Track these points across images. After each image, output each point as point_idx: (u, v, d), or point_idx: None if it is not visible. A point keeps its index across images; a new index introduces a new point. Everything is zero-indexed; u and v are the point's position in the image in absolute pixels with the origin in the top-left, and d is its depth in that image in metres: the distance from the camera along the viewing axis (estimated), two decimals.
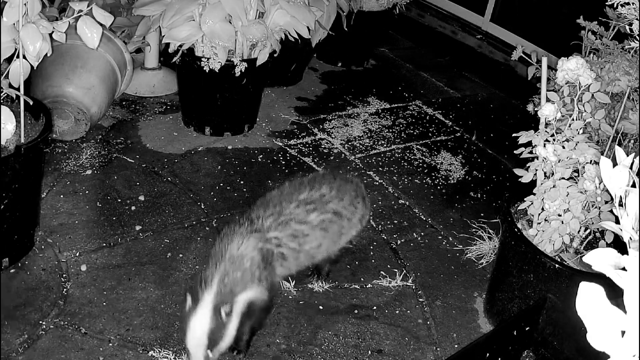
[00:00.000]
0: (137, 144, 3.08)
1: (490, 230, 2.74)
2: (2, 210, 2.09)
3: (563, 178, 1.98)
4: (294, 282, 2.32)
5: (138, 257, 2.39)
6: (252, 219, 1.99)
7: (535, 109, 2.17)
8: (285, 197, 2.08)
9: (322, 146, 3.30)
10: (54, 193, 2.65)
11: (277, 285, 2.08)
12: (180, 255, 2.42)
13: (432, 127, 3.65)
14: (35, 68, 2.03)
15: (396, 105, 3.86)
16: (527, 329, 2.02)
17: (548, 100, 2.02)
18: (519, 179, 2.06)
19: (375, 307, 2.31)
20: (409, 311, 2.31)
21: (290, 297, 2.30)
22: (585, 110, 1.97)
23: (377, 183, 3.05)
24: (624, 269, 0.92)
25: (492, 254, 2.61)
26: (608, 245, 1.98)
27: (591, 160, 1.94)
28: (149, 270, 2.33)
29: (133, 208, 2.63)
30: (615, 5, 2.06)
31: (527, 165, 2.06)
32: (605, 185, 1.42)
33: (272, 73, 3.42)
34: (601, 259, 0.93)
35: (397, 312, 2.30)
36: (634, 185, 1.04)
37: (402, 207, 2.90)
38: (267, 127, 3.41)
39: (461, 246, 2.68)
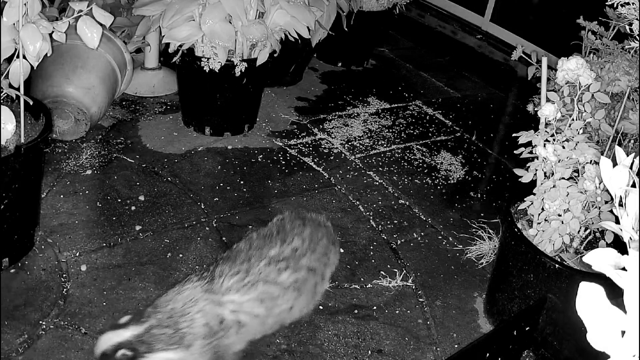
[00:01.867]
0: (137, 144, 3.09)
1: (490, 230, 2.74)
2: (2, 210, 2.09)
3: (563, 178, 1.98)
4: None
5: (138, 257, 2.39)
6: (215, 276, 1.79)
7: (535, 109, 2.17)
8: (254, 252, 1.87)
9: (322, 146, 3.30)
10: (54, 193, 2.65)
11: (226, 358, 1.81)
12: (180, 255, 2.42)
13: (432, 127, 3.65)
14: (35, 68, 2.03)
15: (396, 105, 3.86)
16: (527, 329, 2.02)
17: (548, 100, 2.02)
18: (519, 179, 2.06)
19: (375, 307, 2.31)
20: (409, 311, 2.31)
21: None
22: (585, 110, 1.97)
23: (377, 183, 3.05)
24: (624, 269, 0.92)
25: (492, 254, 2.61)
26: (608, 245, 1.98)
27: (591, 160, 1.94)
28: (149, 270, 2.33)
29: (133, 208, 2.63)
30: (615, 5, 2.06)
31: (527, 165, 2.06)
32: (605, 185, 1.42)
33: (272, 73, 3.42)
34: (601, 259, 0.93)
35: (397, 312, 2.30)
36: (634, 185, 1.04)
37: (402, 207, 2.90)
38: (267, 127, 3.41)
39: (461, 246, 2.68)
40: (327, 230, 2.09)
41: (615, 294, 0.93)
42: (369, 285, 2.41)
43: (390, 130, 3.54)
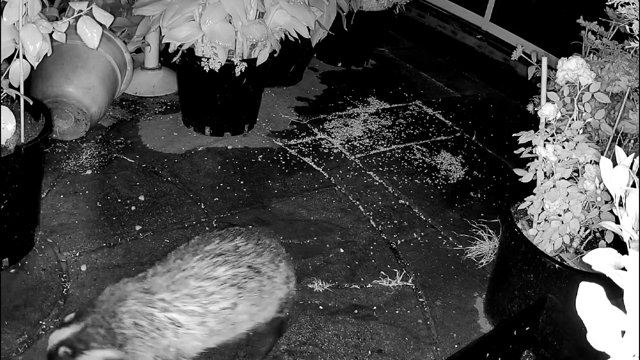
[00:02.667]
0: (137, 144, 3.09)
1: (490, 230, 2.74)
2: (2, 210, 2.09)
3: (563, 178, 1.98)
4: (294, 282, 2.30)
5: (138, 257, 2.39)
6: (147, 276, 1.77)
7: (535, 109, 2.17)
8: (189, 248, 1.81)
9: (322, 146, 3.30)
10: (54, 193, 2.65)
11: None
12: None
13: (432, 127, 3.65)
14: (35, 68, 2.03)
15: (396, 105, 3.86)
16: (527, 329, 2.02)
17: (548, 100, 2.02)
18: (519, 179, 2.06)
19: (375, 307, 2.31)
20: (409, 311, 2.31)
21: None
22: (585, 110, 1.97)
23: (377, 183, 3.05)
24: (624, 269, 0.92)
25: (492, 254, 2.61)
26: (608, 245, 1.98)
27: (591, 160, 1.94)
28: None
29: (133, 208, 2.63)
30: (615, 5, 2.06)
31: (527, 165, 2.06)
32: (605, 185, 1.42)
33: (272, 73, 3.42)
34: (601, 259, 0.93)
35: (397, 312, 2.30)
36: (634, 185, 1.04)
37: (402, 207, 2.90)
38: (267, 127, 3.41)
39: (461, 246, 2.68)
40: (277, 246, 1.96)
41: (615, 294, 0.93)
42: (369, 285, 2.41)
43: (390, 130, 3.54)
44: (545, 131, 2.01)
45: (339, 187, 2.98)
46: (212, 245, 1.81)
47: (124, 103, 3.42)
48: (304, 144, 3.30)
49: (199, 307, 1.71)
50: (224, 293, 1.74)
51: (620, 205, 1.03)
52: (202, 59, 2.95)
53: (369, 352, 2.12)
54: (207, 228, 2.58)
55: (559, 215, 2.00)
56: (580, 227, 2.03)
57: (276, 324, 1.97)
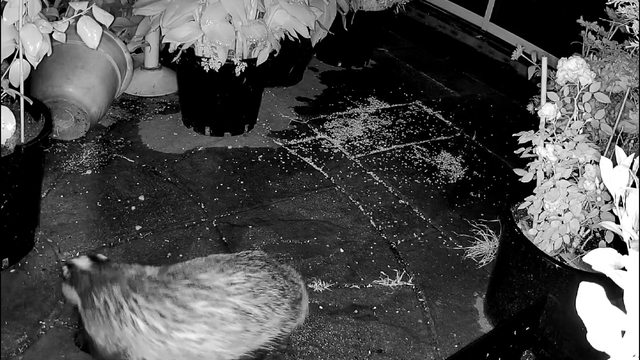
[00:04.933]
0: (137, 144, 3.09)
1: (490, 230, 2.74)
2: (2, 210, 2.09)
3: (563, 178, 1.98)
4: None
5: (138, 257, 2.39)
6: (144, 273, 1.80)
7: (535, 109, 2.17)
8: (187, 269, 1.80)
9: (322, 146, 3.30)
10: (54, 193, 2.65)
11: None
12: (180, 255, 2.42)
13: (432, 127, 3.65)
14: (35, 68, 2.03)
15: (396, 105, 3.86)
16: (527, 329, 2.02)
17: (548, 100, 2.02)
18: (519, 179, 2.06)
19: (375, 307, 2.31)
20: (409, 311, 2.31)
21: None
22: (585, 110, 1.97)
23: (377, 183, 3.05)
24: (624, 269, 0.92)
25: (492, 254, 2.61)
26: (608, 245, 1.98)
27: (591, 160, 1.94)
28: None
29: (133, 208, 2.63)
30: (615, 5, 2.06)
31: (527, 165, 2.06)
32: (605, 185, 1.42)
33: (272, 73, 3.42)
34: (601, 259, 0.93)
35: (397, 312, 2.30)
36: (634, 185, 1.04)
37: (402, 207, 2.90)
38: (267, 127, 3.41)
39: (461, 246, 2.68)
40: (294, 286, 1.88)
41: (615, 294, 0.93)
42: (369, 285, 2.41)
43: (390, 130, 3.54)
44: (545, 131, 2.01)
45: (339, 187, 2.98)
46: (205, 275, 1.77)
47: (124, 103, 3.42)
48: (304, 144, 3.30)
49: (163, 328, 1.71)
50: (195, 327, 1.71)
51: (620, 205, 1.03)
52: (202, 59, 2.95)
53: (369, 352, 2.12)
54: (207, 228, 2.58)
55: (559, 215, 2.00)
56: (580, 227, 2.03)
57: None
